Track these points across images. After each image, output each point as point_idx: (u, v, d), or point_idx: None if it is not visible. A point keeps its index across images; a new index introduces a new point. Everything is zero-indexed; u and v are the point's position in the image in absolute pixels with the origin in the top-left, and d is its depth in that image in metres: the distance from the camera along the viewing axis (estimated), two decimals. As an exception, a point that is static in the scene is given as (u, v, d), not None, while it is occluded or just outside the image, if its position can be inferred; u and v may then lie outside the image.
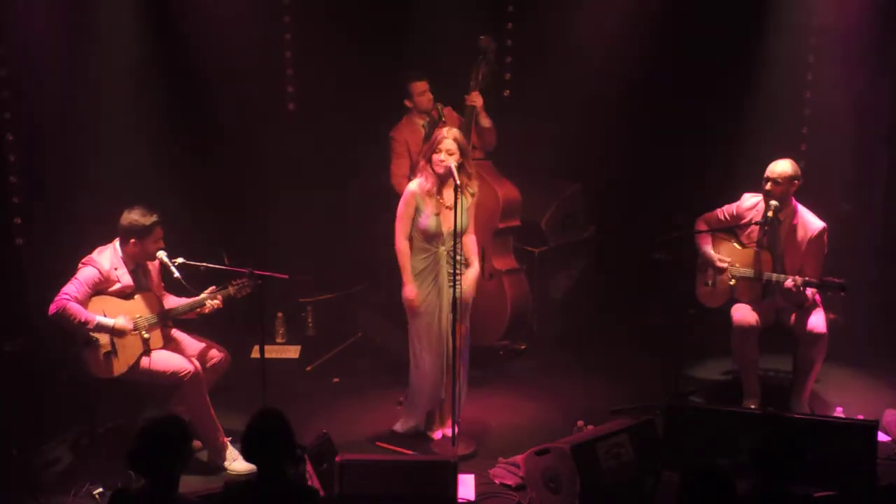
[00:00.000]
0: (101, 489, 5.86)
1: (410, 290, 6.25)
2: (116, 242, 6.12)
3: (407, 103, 7.36)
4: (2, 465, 6.11)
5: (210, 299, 6.23)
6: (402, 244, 6.25)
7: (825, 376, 6.97)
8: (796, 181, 6.61)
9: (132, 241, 6.07)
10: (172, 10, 7.58)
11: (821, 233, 6.62)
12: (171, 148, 7.62)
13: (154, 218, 6.06)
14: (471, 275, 6.31)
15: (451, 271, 6.18)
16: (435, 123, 7.11)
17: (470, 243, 6.36)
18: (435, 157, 6.11)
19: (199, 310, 6.27)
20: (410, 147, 7.25)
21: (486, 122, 7.21)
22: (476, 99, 7.14)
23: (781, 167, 6.57)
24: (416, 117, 7.36)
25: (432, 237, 6.22)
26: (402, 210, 6.24)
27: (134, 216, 6.05)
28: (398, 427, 6.56)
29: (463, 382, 6.34)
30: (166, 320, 6.25)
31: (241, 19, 7.73)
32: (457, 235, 6.05)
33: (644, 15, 7.87)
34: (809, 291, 6.54)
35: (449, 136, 6.11)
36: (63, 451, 6.40)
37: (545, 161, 8.31)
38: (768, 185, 6.56)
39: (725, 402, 6.81)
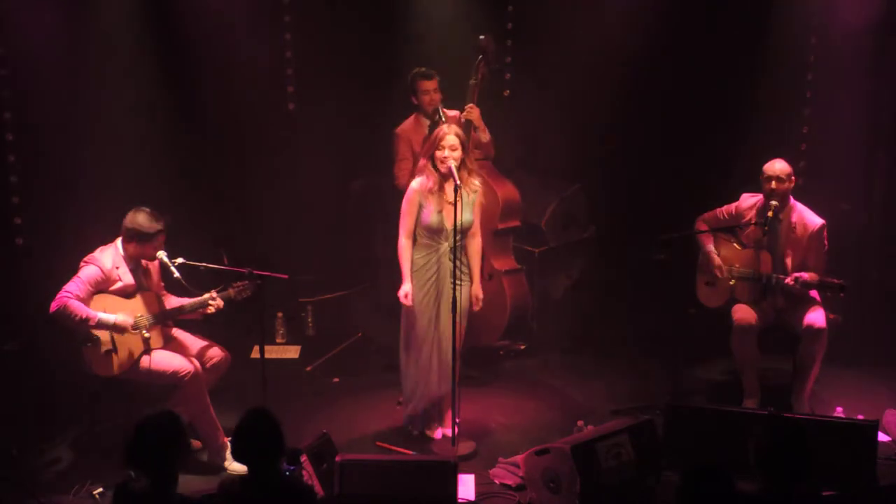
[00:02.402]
0: (101, 489, 5.87)
1: (405, 290, 6.26)
2: (118, 242, 6.12)
3: (413, 100, 7.36)
4: (2, 465, 6.11)
5: (209, 300, 6.23)
6: (402, 242, 6.26)
7: (825, 376, 6.96)
8: (794, 177, 6.63)
9: (134, 243, 6.07)
10: (173, 9, 7.59)
11: (820, 229, 6.63)
12: (171, 148, 7.63)
13: (159, 226, 6.05)
14: (469, 291, 6.32)
15: (453, 269, 6.17)
16: (435, 124, 7.09)
17: (474, 250, 6.36)
18: (438, 153, 6.11)
19: (201, 310, 6.27)
20: (414, 147, 7.23)
21: (484, 136, 7.17)
22: (471, 112, 7.10)
23: (780, 165, 6.59)
24: (423, 117, 7.35)
25: (435, 233, 6.22)
26: (406, 208, 6.25)
27: (140, 220, 6.03)
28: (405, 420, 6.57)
29: (455, 382, 6.33)
30: (167, 320, 6.25)
31: (241, 19, 7.74)
32: (456, 233, 6.05)
33: (644, 14, 7.88)
34: (807, 275, 6.53)
35: (451, 132, 6.13)
36: (63, 451, 6.41)
37: (545, 161, 8.30)
38: (772, 185, 6.56)
39: (725, 402, 6.80)
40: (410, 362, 6.40)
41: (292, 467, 5.04)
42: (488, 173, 7.34)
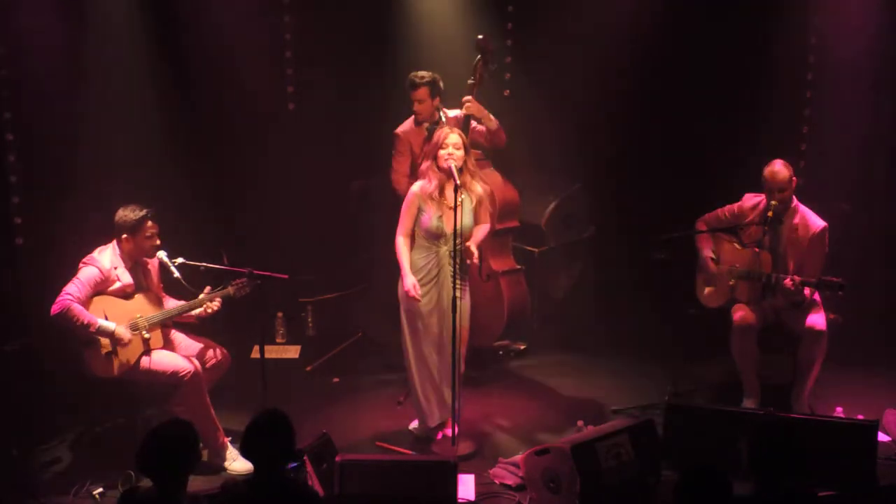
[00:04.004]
0: (101, 489, 5.87)
1: (408, 281, 6.22)
2: (115, 242, 6.13)
3: None
4: (2, 465, 6.11)
5: (208, 300, 6.23)
6: (400, 240, 6.27)
7: (825, 376, 6.96)
8: (794, 179, 6.61)
9: (125, 236, 6.08)
10: (172, 9, 7.59)
11: (822, 232, 6.62)
12: (172, 148, 7.63)
13: (143, 212, 6.07)
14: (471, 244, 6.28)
15: (453, 272, 6.17)
16: (436, 124, 7.09)
17: (480, 229, 6.37)
18: (441, 152, 6.11)
19: (198, 312, 6.26)
20: (413, 148, 7.21)
21: (491, 123, 7.09)
22: (470, 106, 7.05)
23: (781, 174, 6.54)
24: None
25: (435, 237, 6.22)
26: (405, 210, 6.26)
27: (125, 212, 6.07)
28: (413, 427, 6.55)
29: (459, 383, 6.32)
30: (166, 320, 6.25)
31: (241, 19, 7.74)
32: (456, 236, 6.05)
33: (644, 15, 7.88)
34: (807, 290, 6.55)
35: (454, 132, 6.13)
36: (63, 451, 6.41)
37: (545, 161, 8.30)
38: (774, 195, 6.54)
39: (725, 402, 6.81)
40: (419, 367, 6.39)
41: (294, 464, 5.03)
42: (488, 174, 7.34)
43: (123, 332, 6.00)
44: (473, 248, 6.25)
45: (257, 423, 4.54)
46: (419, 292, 6.19)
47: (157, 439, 4.41)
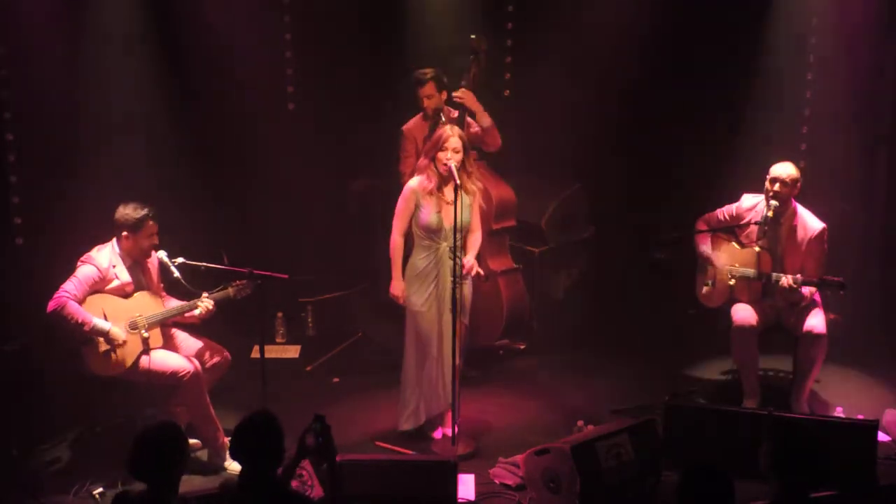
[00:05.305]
0: (101, 489, 5.87)
1: (397, 286, 6.30)
2: (114, 241, 6.13)
3: None
4: (2, 465, 6.10)
5: (200, 302, 6.21)
6: (396, 240, 6.28)
7: (825, 376, 6.97)
8: (799, 183, 6.62)
9: (125, 234, 6.08)
10: (172, 10, 7.59)
11: (821, 233, 6.62)
12: (172, 148, 7.64)
13: (145, 211, 6.07)
14: (470, 288, 6.33)
15: (453, 269, 6.17)
16: (435, 124, 7.08)
17: (472, 242, 6.38)
18: (441, 154, 6.11)
19: (193, 312, 6.24)
20: (419, 145, 7.20)
21: (485, 120, 7.07)
22: (463, 96, 7.03)
23: (789, 169, 6.58)
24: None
25: (433, 233, 6.23)
26: (401, 206, 6.26)
27: (127, 210, 6.07)
28: (403, 425, 6.55)
29: (458, 382, 6.32)
30: (165, 320, 6.24)
31: (241, 19, 7.74)
32: (457, 233, 6.04)
33: (644, 15, 7.88)
34: (807, 290, 6.55)
35: (454, 135, 6.13)
36: (63, 451, 6.41)
37: (545, 161, 8.30)
38: (776, 186, 6.55)
39: (725, 402, 6.81)
40: (416, 366, 6.38)
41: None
42: (483, 174, 7.32)
43: (118, 333, 6.00)
44: (469, 263, 6.28)
45: (244, 426, 4.51)
46: (404, 298, 6.26)
47: (145, 444, 4.39)
